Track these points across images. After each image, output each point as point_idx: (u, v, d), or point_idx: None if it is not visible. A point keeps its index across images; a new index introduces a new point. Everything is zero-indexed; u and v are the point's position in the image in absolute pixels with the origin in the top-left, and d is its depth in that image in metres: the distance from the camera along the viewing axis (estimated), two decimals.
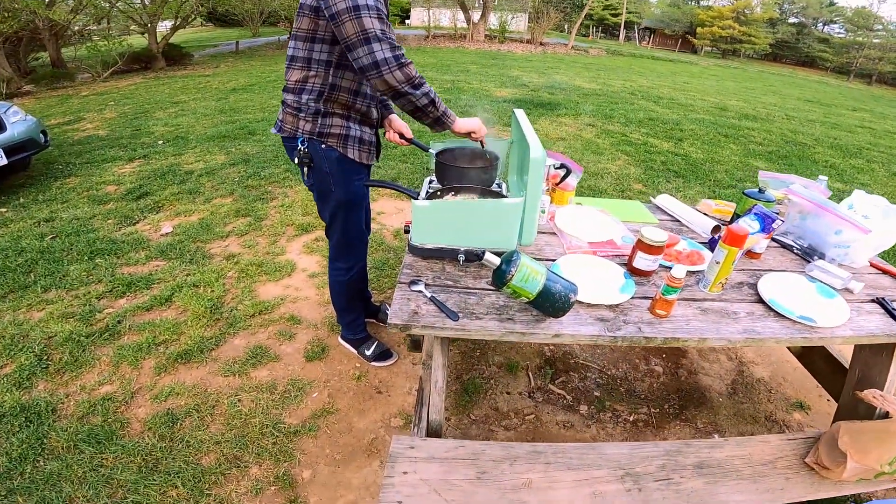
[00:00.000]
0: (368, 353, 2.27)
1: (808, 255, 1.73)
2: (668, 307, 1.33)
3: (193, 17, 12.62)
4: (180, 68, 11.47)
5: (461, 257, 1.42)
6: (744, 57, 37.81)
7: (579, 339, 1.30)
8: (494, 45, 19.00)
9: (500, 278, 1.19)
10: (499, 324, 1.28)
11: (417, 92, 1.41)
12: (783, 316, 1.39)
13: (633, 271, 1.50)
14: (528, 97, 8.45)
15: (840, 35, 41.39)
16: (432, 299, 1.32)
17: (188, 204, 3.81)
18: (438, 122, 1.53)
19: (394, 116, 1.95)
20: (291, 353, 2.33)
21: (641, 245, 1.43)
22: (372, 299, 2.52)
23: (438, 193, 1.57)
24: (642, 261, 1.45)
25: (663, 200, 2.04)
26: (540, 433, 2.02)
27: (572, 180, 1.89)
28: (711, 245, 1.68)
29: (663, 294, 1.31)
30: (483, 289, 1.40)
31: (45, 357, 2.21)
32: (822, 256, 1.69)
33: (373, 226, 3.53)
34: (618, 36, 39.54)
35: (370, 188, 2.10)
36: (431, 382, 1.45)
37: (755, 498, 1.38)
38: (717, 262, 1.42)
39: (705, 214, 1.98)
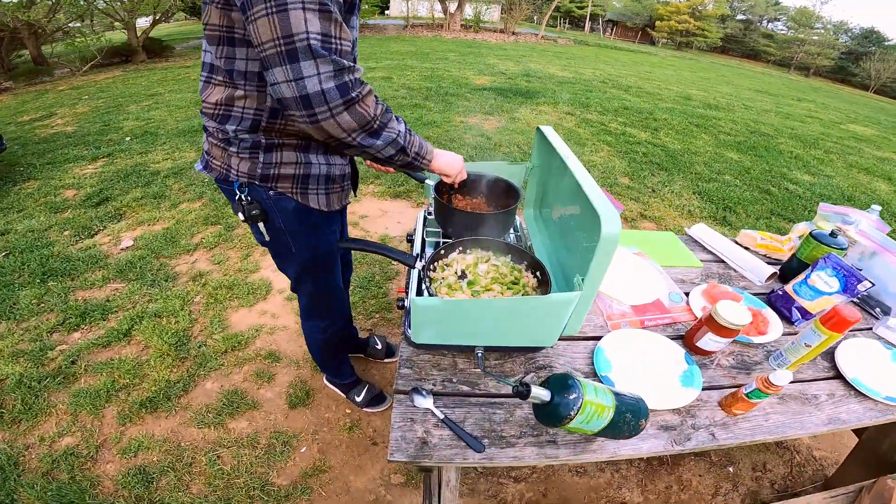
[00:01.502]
0: (359, 399, 1.82)
1: (869, 304, 1.33)
2: (750, 408, 0.92)
3: (173, 11, 11.48)
4: (161, 61, 10.35)
5: (480, 360, 0.93)
6: (696, 49, 37.91)
7: (640, 455, 0.89)
8: (470, 35, 18.11)
9: (552, 417, 0.74)
10: (538, 450, 0.87)
11: (378, 142, 0.88)
12: (866, 396, 1.05)
13: (693, 350, 1.06)
14: (507, 85, 7.85)
15: (783, 32, 43.06)
16: (445, 421, 0.86)
17: (152, 210, 3.17)
18: (410, 167, 1.02)
19: None
20: (272, 399, 1.87)
21: (714, 325, 0.99)
22: (357, 334, 2.04)
23: (442, 252, 1.08)
24: (711, 342, 1.02)
25: (700, 233, 1.60)
26: (552, 482, 1.68)
27: None
28: (773, 302, 1.26)
29: (749, 397, 0.90)
30: (511, 396, 0.94)
31: None
32: (886, 311, 1.29)
33: (356, 234, 3.00)
34: (583, 27, 39.30)
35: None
36: (443, 482, 1.02)
37: None
38: (808, 346, 1.00)
39: (747, 249, 1.55)
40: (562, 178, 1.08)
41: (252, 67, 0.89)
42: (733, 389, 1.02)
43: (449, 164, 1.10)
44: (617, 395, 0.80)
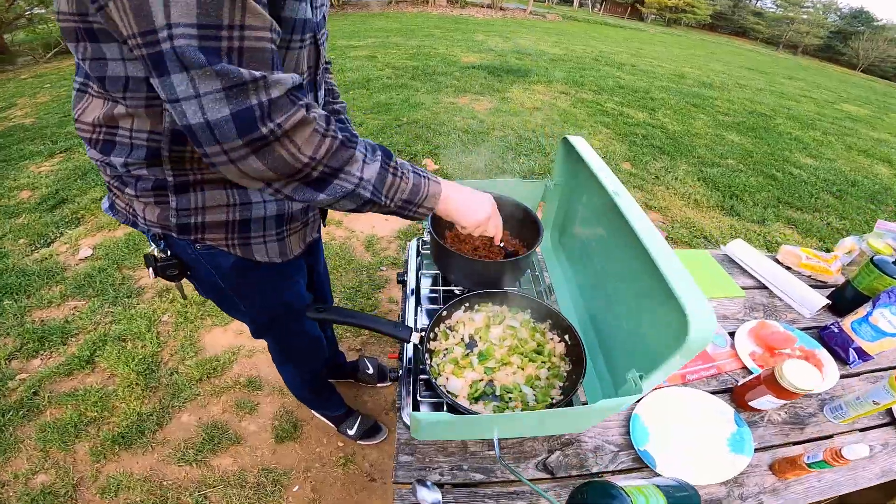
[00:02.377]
0: (352, 432, 1.65)
1: None
2: (805, 473, 0.78)
3: None
4: None
5: (497, 450, 0.70)
6: (685, 25, 37.22)
7: None
8: (456, 10, 17.33)
9: None
10: None
11: (321, 195, 0.60)
12: None
13: (744, 408, 0.91)
14: (497, 63, 7.49)
15: (772, 10, 42.61)
16: None
17: None
18: (399, 215, 0.72)
19: None
20: (256, 432, 1.70)
21: (776, 387, 0.83)
22: (345, 360, 1.85)
23: (444, 314, 0.87)
24: (767, 403, 0.86)
25: (739, 251, 1.40)
26: None
27: None
28: (827, 340, 1.10)
29: (811, 467, 0.75)
30: (534, 480, 0.78)
31: None
32: None
33: (339, 234, 2.76)
34: (572, 2, 38.16)
35: None
36: None
37: None
38: (875, 403, 0.85)
39: (789, 269, 1.38)
40: (598, 204, 0.88)
41: (134, 71, 0.57)
42: (785, 449, 0.88)
43: (467, 210, 0.76)
44: (669, 495, 0.64)
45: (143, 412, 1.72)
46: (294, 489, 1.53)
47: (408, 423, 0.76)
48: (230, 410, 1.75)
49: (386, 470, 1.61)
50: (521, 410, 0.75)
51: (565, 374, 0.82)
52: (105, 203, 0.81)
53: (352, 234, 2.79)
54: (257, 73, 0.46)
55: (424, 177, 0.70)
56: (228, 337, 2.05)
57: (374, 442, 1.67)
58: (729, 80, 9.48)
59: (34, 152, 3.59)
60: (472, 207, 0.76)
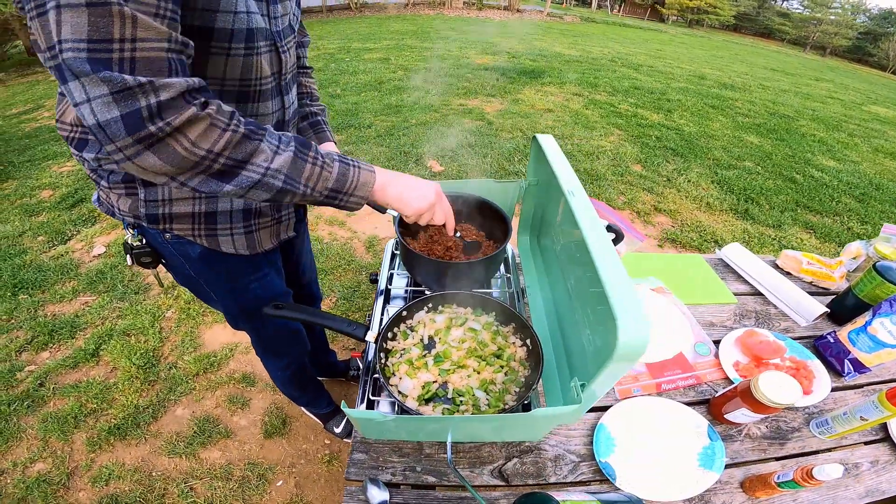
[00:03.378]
0: (338, 430, 1.65)
1: None
2: (777, 493, 0.73)
3: None
4: None
5: (450, 457, 0.66)
6: (707, 27, 36.14)
7: None
8: (473, 12, 17.22)
9: None
10: None
11: (228, 186, 0.59)
12: None
13: (720, 420, 0.85)
14: (510, 65, 7.42)
15: (798, 10, 40.88)
16: None
17: None
18: (331, 206, 0.70)
19: (329, 145, 1.09)
20: (246, 427, 1.71)
21: (751, 400, 0.78)
22: (336, 359, 1.84)
23: (405, 314, 0.85)
24: (743, 416, 0.81)
25: (734, 255, 1.33)
26: None
27: (623, 248, 1.14)
28: (822, 350, 1.04)
29: (781, 486, 0.71)
30: (488, 486, 0.75)
31: None
32: None
33: (342, 234, 2.77)
34: (590, 4, 37.63)
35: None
36: None
37: None
38: (863, 419, 0.79)
39: (789, 274, 1.30)
40: (566, 207, 0.84)
41: None
42: (760, 466, 0.82)
43: (408, 198, 0.74)
44: None
45: (140, 405, 1.76)
46: (278, 484, 1.54)
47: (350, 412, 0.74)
48: (223, 405, 1.78)
49: None
50: (471, 414, 0.72)
51: (523, 379, 0.79)
52: (94, 196, 0.88)
53: (354, 234, 2.80)
54: (143, 79, 0.49)
55: (354, 166, 0.68)
56: (227, 333, 2.08)
57: None
58: (752, 81, 9.14)
59: (57, 153, 3.74)
60: (412, 195, 0.74)
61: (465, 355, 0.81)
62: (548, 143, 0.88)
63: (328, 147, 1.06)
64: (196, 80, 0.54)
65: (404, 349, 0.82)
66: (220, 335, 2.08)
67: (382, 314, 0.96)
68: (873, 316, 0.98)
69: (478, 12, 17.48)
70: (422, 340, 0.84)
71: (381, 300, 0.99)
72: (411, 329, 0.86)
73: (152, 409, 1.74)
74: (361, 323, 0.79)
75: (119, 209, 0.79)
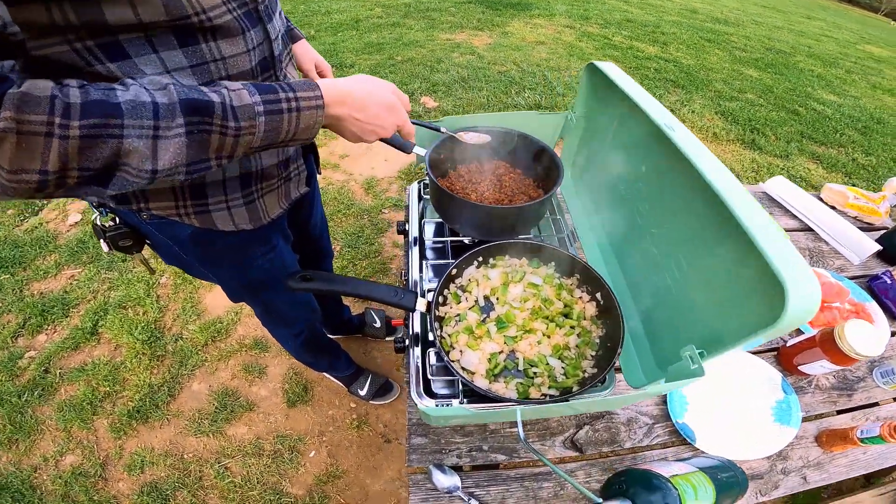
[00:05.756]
0: (363, 392, 1.61)
1: None
2: (853, 446, 0.70)
3: None
4: None
5: (520, 430, 0.60)
6: None
7: None
8: None
9: None
10: None
11: (111, 190, 0.44)
12: None
13: (791, 370, 0.81)
14: None
15: None
16: None
17: None
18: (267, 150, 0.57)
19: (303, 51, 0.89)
20: (268, 397, 1.66)
21: (834, 351, 0.72)
22: (350, 314, 1.74)
23: (454, 272, 0.75)
24: (821, 368, 0.76)
25: (779, 188, 1.24)
26: None
27: None
28: (877, 292, 0.98)
29: (864, 442, 0.66)
30: (562, 459, 0.70)
31: None
32: None
33: (337, 177, 2.60)
34: None
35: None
36: None
37: None
38: None
39: (833, 209, 1.23)
40: (638, 140, 0.73)
41: None
42: (831, 420, 0.79)
43: (373, 124, 0.59)
44: (716, 480, 0.56)
45: (153, 383, 1.68)
46: (310, 455, 1.52)
47: (419, 407, 0.66)
48: (239, 376, 1.71)
49: (401, 430, 1.59)
50: (549, 388, 0.65)
51: (598, 341, 0.71)
52: None
53: (349, 177, 2.63)
54: None
55: (290, 110, 0.51)
56: None
57: (387, 401, 1.63)
58: (744, 16, 8.75)
59: None
60: (376, 122, 0.59)
61: (530, 317, 0.72)
62: (613, 71, 0.74)
63: (298, 51, 0.86)
64: None
65: (459, 315, 0.73)
66: (223, 299, 1.93)
67: (421, 271, 0.85)
68: None
69: None
70: (477, 302, 0.74)
71: (415, 253, 0.87)
72: (462, 290, 0.76)
73: (167, 386, 1.67)
74: (408, 290, 0.68)
75: None
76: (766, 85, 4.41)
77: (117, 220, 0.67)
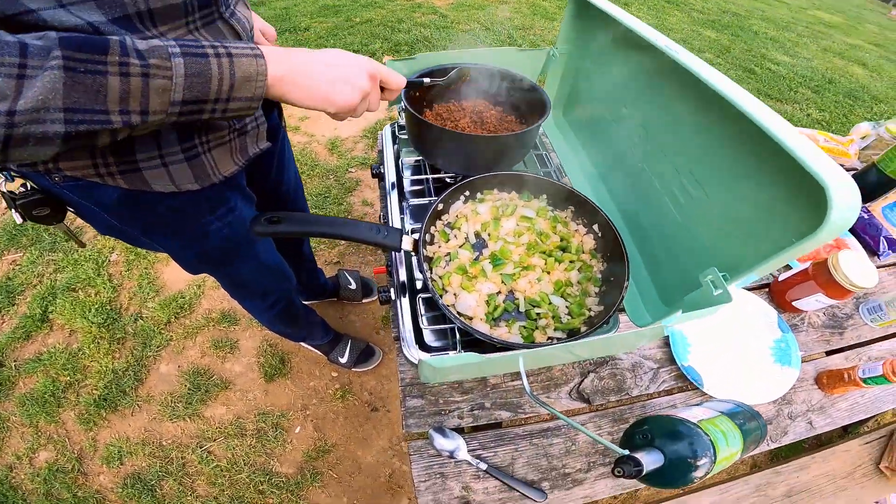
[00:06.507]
0: (344, 360, 1.52)
1: None
2: (852, 388, 0.69)
3: None
4: None
5: (525, 383, 0.52)
6: None
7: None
8: None
9: (667, 482, 0.45)
10: (614, 481, 0.59)
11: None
12: None
13: (784, 306, 0.79)
14: None
15: None
16: (489, 472, 0.56)
17: None
18: (191, 122, 0.45)
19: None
20: (243, 373, 1.55)
21: (829, 284, 0.70)
22: (323, 277, 1.63)
23: (440, 208, 0.67)
24: (816, 303, 0.74)
25: None
26: None
27: None
28: (856, 228, 0.98)
29: (867, 382, 0.65)
30: (569, 411, 0.65)
31: None
32: None
33: (298, 140, 2.43)
34: None
35: None
36: None
37: None
38: None
39: None
40: (634, 69, 0.66)
41: None
42: (827, 360, 0.78)
43: (328, 91, 0.49)
44: (741, 425, 0.52)
45: (117, 368, 1.53)
46: (296, 431, 1.43)
47: (414, 362, 0.59)
48: (209, 353, 1.59)
49: (387, 397, 1.52)
50: (555, 330, 0.59)
51: (599, 276, 0.65)
52: None
53: (311, 138, 2.46)
54: None
55: (220, 55, 0.41)
56: None
57: (370, 367, 1.56)
58: None
59: None
60: (333, 88, 0.49)
61: (527, 253, 0.65)
62: (601, 1, 0.66)
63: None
64: None
65: (449, 254, 0.65)
66: (182, 271, 1.80)
67: (402, 214, 0.76)
68: (881, 177, 0.95)
69: None
70: (467, 239, 0.67)
71: (394, 196, 0.78)
72: (451, 227, 0.69)
73: (133, 371, 1.52)
74: (392, 227, 0.59)
75: None
76: (724, 45, 4.48)
77: (28, 185, 0.54)
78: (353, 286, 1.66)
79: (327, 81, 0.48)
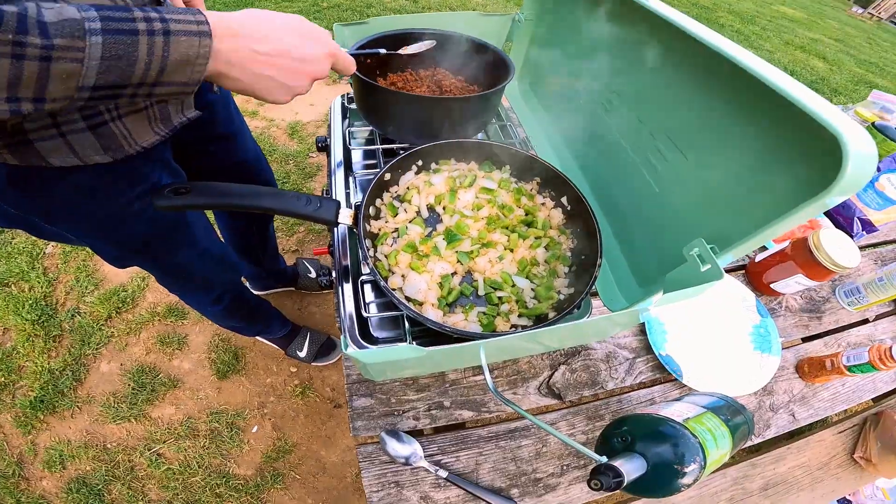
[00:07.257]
0: (303, 353, 1.41)
1: None
2: (834, 377, 0.64)
3: None
4: None
5: (488, 378, 0.41)
6: None
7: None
8: None
9: (651, 491, 0.37)
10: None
11: None
12: None
13: (762, 289, 0.74)
14: None
15: None
16: (451, 480, 0.48)
17: None
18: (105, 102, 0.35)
19: None
20: (193, 370, 1.42)
21: (811, 264, 0.64)
22: (283, 263, 1.50)
23: (388, 178, 0.57)
24: (796, 285, 0.68)
25: None
26: None
27: None
28: (829, 209, 0.94)
29: (852, 370, 0.61)
30: (539, 409, 0.57)
31: None
32: None
33: (256, 125, 2.29)
34: None
35: None
36: None
37: None
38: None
39: None
40: (611, 33, 0.58)
41: None
42: (807, 346, 0.73)
43: (288, 76, 0.41)
44: (727, 421, 0.45)
45: (53, 368, 1.38)
46: (253, 430, 1.33)
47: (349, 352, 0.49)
48: (155, 350, 1.45)
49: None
50: (520, 317, 0.50)
51: (569, 253, 0.57)
52: None
53: (271, 123, 2.31)
54: None
55: (149, 34, 0.33)
56: None
57: (332, 361, 1.45)
58: None
59: None
60: (292, 74, 0.41)
61: (487, 228, 0.56)
62: None
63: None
64: None
65: (397, 230, 0.56)
66: None
67: (347, 188, 0.66)
68: (879, 173, 0.92)
69: None
70: (419, 213, 0.58)
71: (340, 173, 0.68)
72: (400, 199, 0.59)
73: (70, 370, 1.38)
74: (327, 197, 0.49)
75: None
76: None
77: None
78: (313, 274, 1.54)
79: (282, 71, 0.39)
